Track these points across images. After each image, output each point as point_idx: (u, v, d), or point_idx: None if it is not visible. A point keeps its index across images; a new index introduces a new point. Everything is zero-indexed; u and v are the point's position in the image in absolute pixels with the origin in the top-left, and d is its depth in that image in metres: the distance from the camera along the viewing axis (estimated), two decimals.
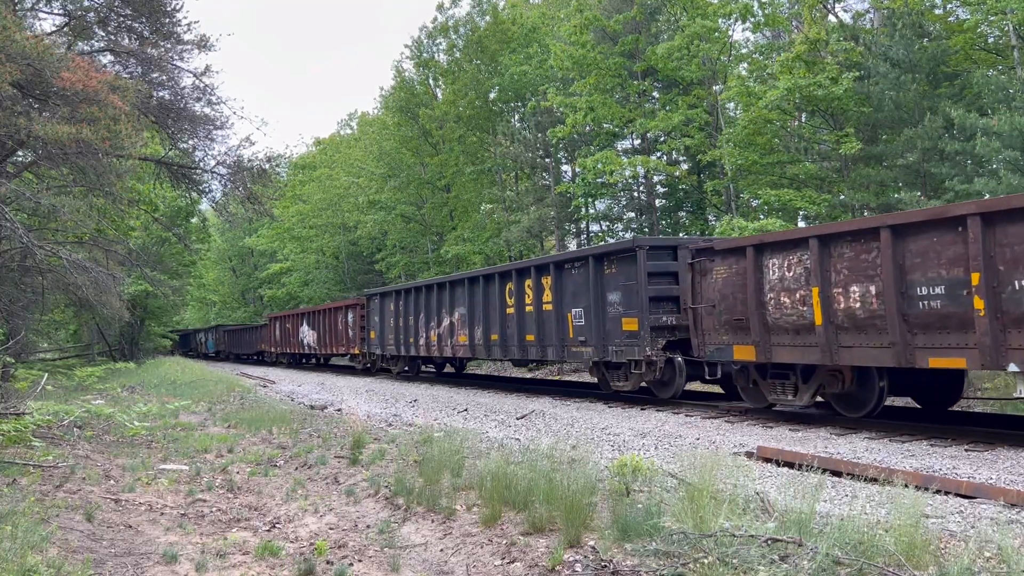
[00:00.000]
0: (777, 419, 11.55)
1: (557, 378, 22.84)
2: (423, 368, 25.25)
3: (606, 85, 25.91)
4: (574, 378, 22.79)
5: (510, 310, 17.46)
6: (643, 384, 13.91)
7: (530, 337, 16.77)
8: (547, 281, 16.08)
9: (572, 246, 34.82)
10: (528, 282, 16.82)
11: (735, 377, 12.36)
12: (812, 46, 20.10)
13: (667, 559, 4.86)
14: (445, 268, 35.61)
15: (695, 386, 15.19)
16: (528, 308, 16.83)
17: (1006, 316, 8.18)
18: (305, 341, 33.60)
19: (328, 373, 31.42)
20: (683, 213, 31.06)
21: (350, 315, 28.15)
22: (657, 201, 30.68)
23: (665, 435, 10.60)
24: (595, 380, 16.03)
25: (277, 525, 6.91)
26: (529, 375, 24.96)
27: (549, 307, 15.98)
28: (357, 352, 27.64)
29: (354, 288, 46.43)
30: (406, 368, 24.53)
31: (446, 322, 20.52)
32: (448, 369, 26.01)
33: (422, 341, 22.04)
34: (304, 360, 37.31)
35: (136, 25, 17.68)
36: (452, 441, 8.96)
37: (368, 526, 6.70)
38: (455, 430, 11.20)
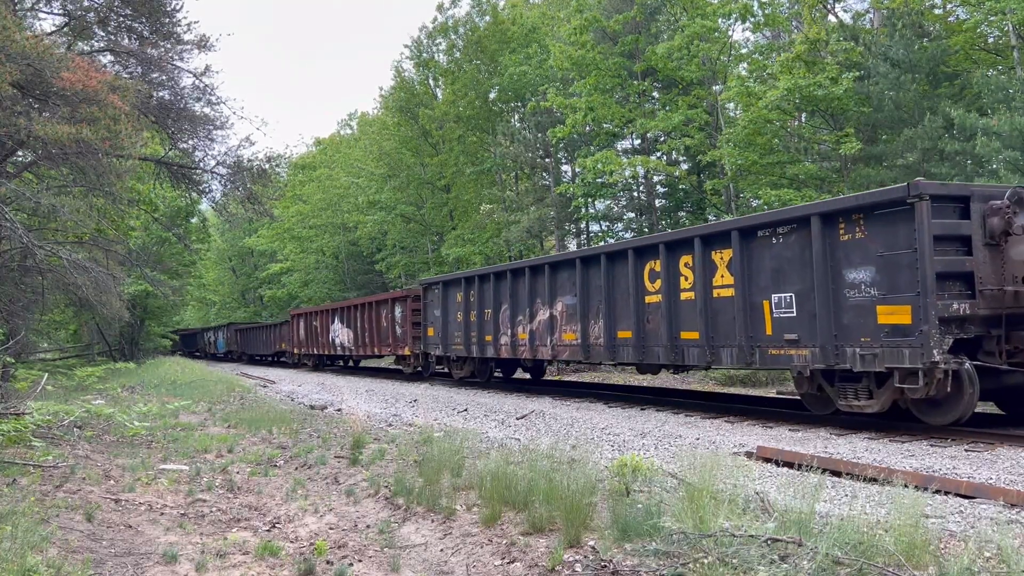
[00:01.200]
0: (777, 419, 11.55)
1: (557, 378, 22.82)
2: (494, 373, 20.93)
3: (606, 85, 25.91)
4: (573, 378, 22.79)
5: (653, 298, 13.31)
6: (901, 402, 9.76)
7: (689, 335, 12.56)
8: (722, 256, 11.89)
9: (572, 246, 34.81)
10: (687, 259, 12.56)
11: None
12: (812, 46, 20.11)
13: (667, 559, 4.86)
14: (445, 268, 35.62)
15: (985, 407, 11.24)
16: (686, 295, 12.60)
17: None
18: (337, 340, 29.65)
19: (353, 376, 28.53)
20: (683, 213, 31.07)
21: (398, 309, 24.30)
22: (657, 201, 30.69)
23: (665, 435, 10.60)
24: (798, 395, 11.62)
25: (277, 525, 6.91)
26: (529, 375, 24.85)
27: (726, 292, 11.76)
28: (407, 353, 23.47)
29: (354, 288, 46.44)
30: (472, 373, 20.44)
31: (543, 316, 16.43)
32: (520, 374, 21.99)
33: (504, 340, 17.88)
34: (334, 362, 33.77)
35: (136, 25, 17.69)
36: (452, 441, 8.96)
37: (368, 526, 6.70)
38: (455, 430, 11.21)
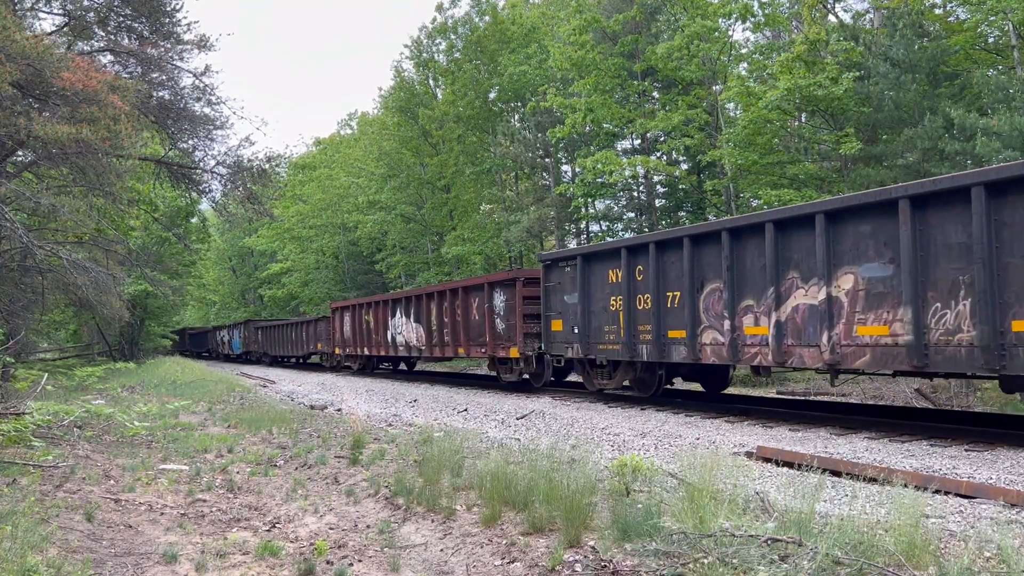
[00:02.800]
0: (777, 419, 11.55)
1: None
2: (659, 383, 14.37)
3: (606, 86, 25.92)
4: (574, 379, 22.77)
5: None
6: None
7: None
8: None
9: (572, 246, 34.84)
10: None
11: None
12: (812, 46, 20.11)
13: (667, 559, 4.85)
14: (444, 268, 35.60)
15: None
16: None
17: None
18: (400, 338, 23.80)
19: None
20: (683, 213, 31.07)
21: (499, 296, 17.88)
22: (657, 201, 30.70)
23: (665, 435, 10.60)
24: None
25: (277, 525, 6.91)
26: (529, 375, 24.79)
27: None
28: (514, 354, 17.21)
29: (354, 288, 46.42)
30: (631, 384, 14.66)
31: (806, 297, 10.46)
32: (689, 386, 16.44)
33: (709, 337, 12.09)
34: (395, 365, 28.62)
35: (136, 25, 17.70)
36: (452, 441, 8.96)
37: (368, 526, 6.70)
38: (455, 430, 11.21)
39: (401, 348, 23.97)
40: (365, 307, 26.64)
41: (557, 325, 15.94)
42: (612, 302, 14.29)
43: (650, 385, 14.32)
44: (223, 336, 50.70)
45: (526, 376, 17.61)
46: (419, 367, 28.67)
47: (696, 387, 16.09)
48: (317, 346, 32.63)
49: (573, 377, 18.47)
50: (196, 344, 57.75)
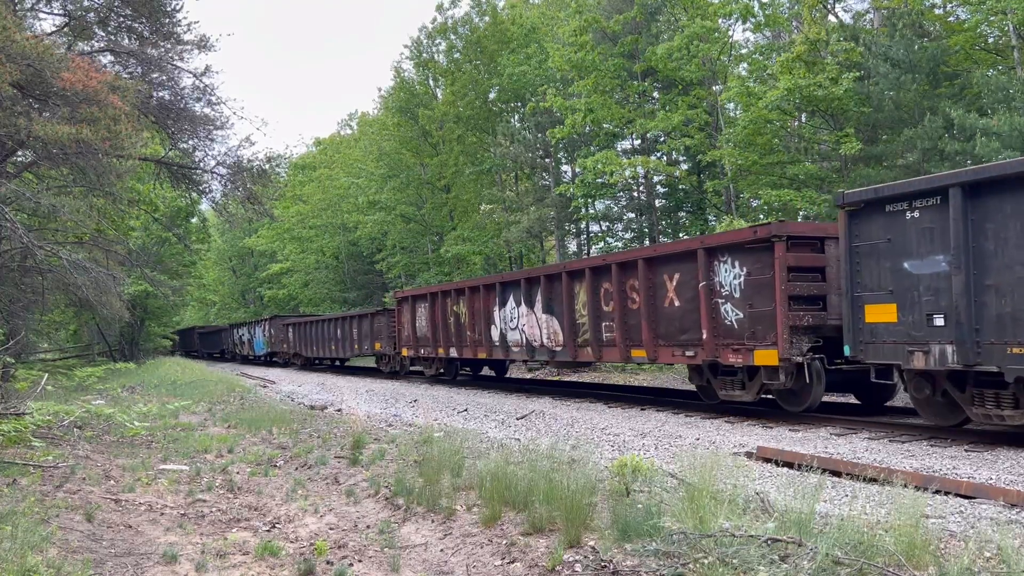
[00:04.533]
0: (777, 419, 11.55)
1: (557, 378, 22.82)
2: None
3: (605, 86, 25.92)
4: (573, 378, 22.79)
5: None
6: None
7: None
8: None
9: (572, 247, 34.86)
10: None
11: None
12: (812, 46, 20.11)
13: (667, 559, 4.85)
14: (444, 268, 35.66)
15: None
16: None
17: None
18: (515, 336, 17.54)
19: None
20: (683, 213, 31.09)
21: (730, 269, 11.72)
22: (657, 201, 30.70)
23: (665, 435, 10.60)
24: None
25: (277, 525, 6.91)
26: (529, 375, 24.89)
27: None
28: (766, 360, 10.99)
29: (354, 288, 46.41)
30: None
31: None
32: None
33: None
34: (499, 370, 23.07)
35: (136, 25, 17.70)
36: (452, 441, 8.97)
37: (368, 526, 6.70)
38: (455, 430, 11.22)
39: (515, 349, 17.67)
40: (454, 294, 20.25)
41: (882, 312, 9.69)
42: None
43: None
44: (242, 335, 44.95)
45: (766, 392, 11.64)
46: (534, 374, 23.21)
47: None
48: (375, 346, 26.48)
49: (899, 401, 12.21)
50: (208, 344, 52.92)
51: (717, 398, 12.51)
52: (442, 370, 22.08)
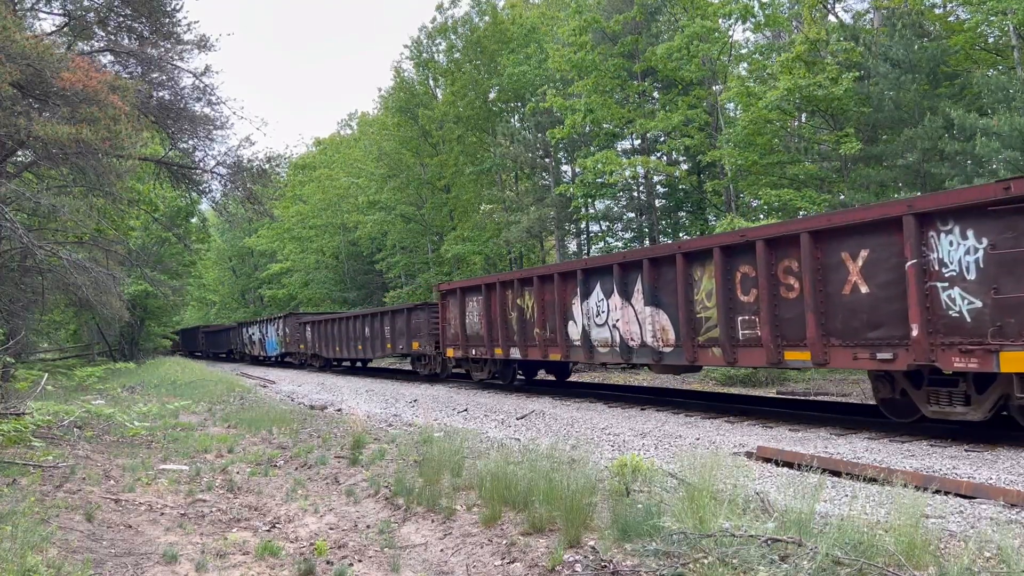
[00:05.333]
0: (777, 419, 11.55)
1: (555, 378, 22.78)
2: None
3: (605, 86, 25.93)
4: (575, 379, 22.79)
5: None
6: None
7: None
8: None
9: (572, 247, 34.84)
10: None
11: None
12: (812, 46, 20.12)
13: (667, 559, 4.85)
14: (444, 268, 35.67)
15: None
16: None
17: None
18: (602, 333, 14.43)
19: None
20: (683, 213, 31.09)
21: (957, 241, 8.66)
22: (657, 201, 30.71)
23: (665, 435, 10.60)
24: None
25: (277, 525, 6.91)
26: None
27: None
28: (964, 367, 8.58)
29: (354, 288, 46.38)
30: None
31: None
32: None
33: None
34: (559, 372, 19.83)
35: (136, 25, 17.70)
36: (452, 441, 8.97)
37: (368, 526, 6.70)
38: (455, 430, 11.22)
39: (602, 350, 14.46)
40: (518, 285, 16.89)
41: None
42: None
43: None
44: (251, 334, 41.87)
45: None
46: (619, 378, 19.65)
47: None
48: (413, 345, 23.25)
49: None
50: (214, 345, 50.02)
51: (914, 415, 9.78)
52: (496, 373, 18.92)
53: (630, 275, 13.67)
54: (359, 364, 30.95)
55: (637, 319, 13.50)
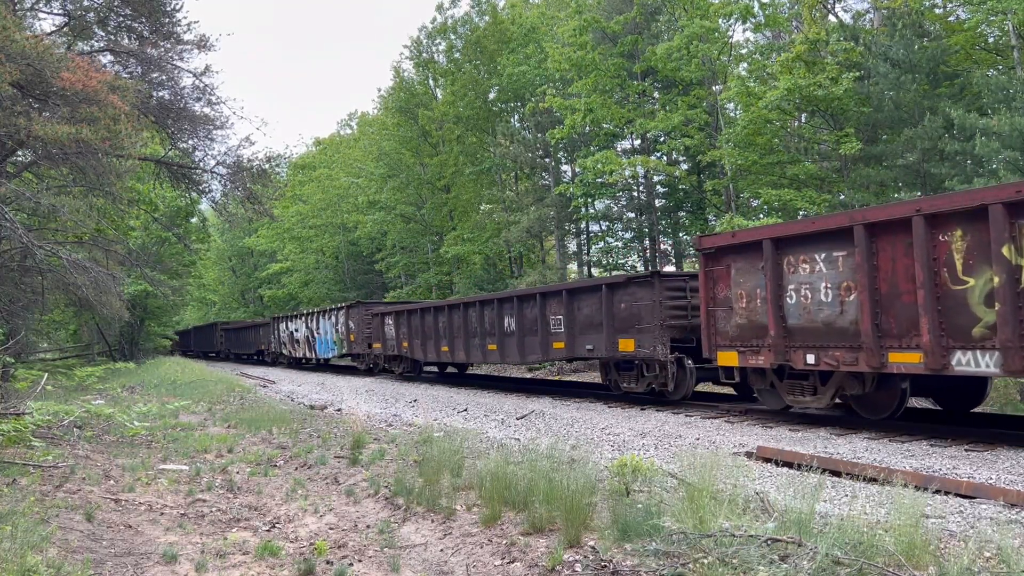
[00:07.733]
0: (777, 419, 11.55)
1: (557, 378, 22.82)
2: None
3: (605, 86, 25.93)
4: (573, 378, 22.79)
5: None
6: None
7: None
8: None
9: (572, 247, 34.84)
10: None
11: None
12: (812, 46, 20.11)
13: (667, 559, 4.85)
14: (444, 268, 35.66)
15: None
16: None
17: None
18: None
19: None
20: (683, 213, 31.08)
21: None
22: (657, 201, 30.71)
23: (665, 435, 10.59)
24: None
25: (277, 525, 6.91)
26: (529, 375, 24.84)
27: None
28: None
29: (354, 288, 46.36)
30: None
31: None
32: None
33: None
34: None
35: (136, 25, 17.70)
36: (452, 441, 8.97)
37: (368, 526, 6.70)
38: (455, 430, 11.22)
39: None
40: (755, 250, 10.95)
41: None
42: None
43: None
44: (293, 331, 33.21)
45: None
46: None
47: None
48: (619, 345, 14.05)
49: None
50: (237, 344, 43.48)
51: None
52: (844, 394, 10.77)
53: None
54: (458, 367, 22.72)
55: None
